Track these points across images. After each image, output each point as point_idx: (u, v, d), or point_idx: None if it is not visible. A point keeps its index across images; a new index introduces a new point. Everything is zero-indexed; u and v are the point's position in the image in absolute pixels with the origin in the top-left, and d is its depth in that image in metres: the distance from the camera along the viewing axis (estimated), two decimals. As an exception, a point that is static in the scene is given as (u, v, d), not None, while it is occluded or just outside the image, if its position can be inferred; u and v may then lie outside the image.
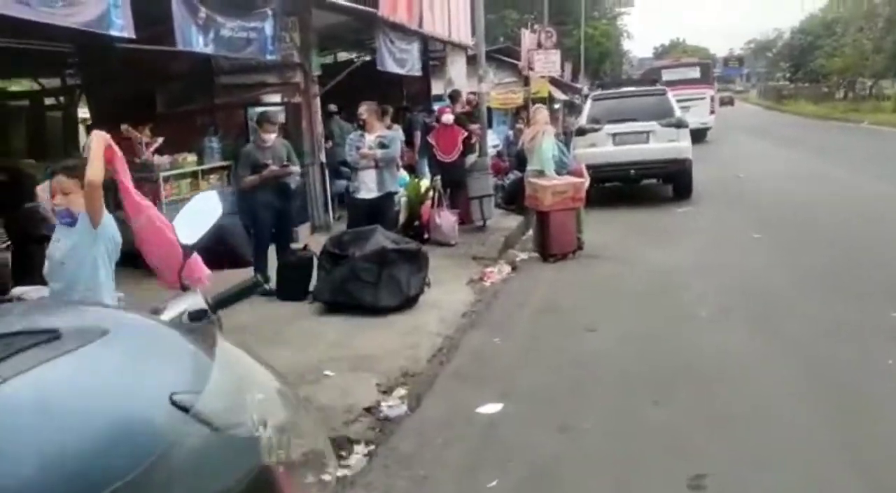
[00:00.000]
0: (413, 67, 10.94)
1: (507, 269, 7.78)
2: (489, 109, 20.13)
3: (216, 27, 7.27)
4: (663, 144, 11.33)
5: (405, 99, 13.75)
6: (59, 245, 3.29)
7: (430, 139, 8.76)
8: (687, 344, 5.16)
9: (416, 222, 8.70)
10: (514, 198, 10.24)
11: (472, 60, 13.99)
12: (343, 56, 14.44)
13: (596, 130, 11.56)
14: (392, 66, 9.98)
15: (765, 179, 13.93)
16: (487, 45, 19.93)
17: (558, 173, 8.30)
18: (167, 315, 1.80)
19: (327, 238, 6.54)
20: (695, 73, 25.37)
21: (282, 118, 8.98)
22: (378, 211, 6.99)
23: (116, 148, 3.47)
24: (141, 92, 9.66)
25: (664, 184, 12.33)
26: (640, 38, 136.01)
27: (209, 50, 7.33)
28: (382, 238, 6.31)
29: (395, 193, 7.21)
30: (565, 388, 4.51)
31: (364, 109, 7.04)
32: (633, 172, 11.36)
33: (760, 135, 26.08)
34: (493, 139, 17.24)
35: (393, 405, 4.40)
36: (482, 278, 7.38)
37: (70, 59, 9.80)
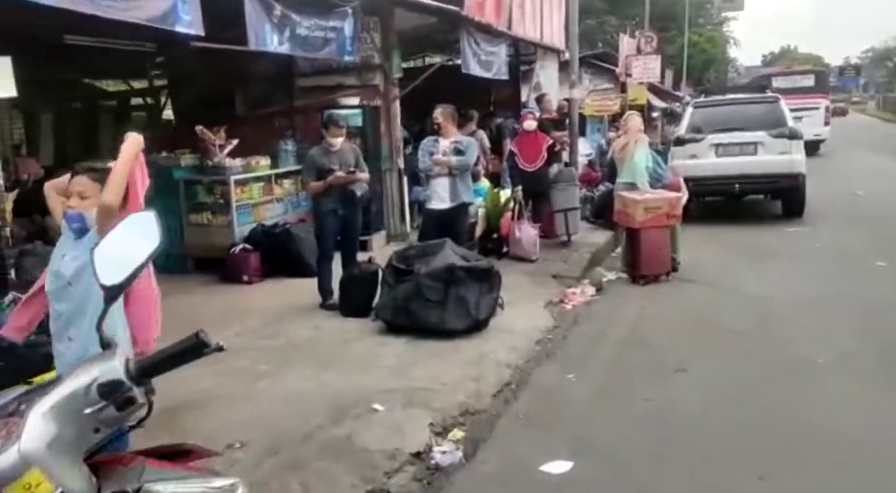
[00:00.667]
0: (499, 71, 10.31)
1: (591, 290, 7.04)
2: (582, 117, 19.31)
3: (292, 26, 6.92)
4: (773, 157, 10.25)
5: (492, 104, 13.15)
6: (66, 261, 2.82)
7: (512, 146, 8.11)
8: (800, 399, 4.30)
9: (495, 235, 8.07)
10: (603, 211, 9.45)
11: (565, 66, 13.24)
12: (432, 60, 14.02)
13: (697, 141, 10.60)
14: (476, 69, 9.40)
15: (887, 197, 12.49)
16: (584, 51, 19.11)
17: (652, 187, 7.49)
18: (70, 386, 1.28)
19: (392, 251, 6.02)
20: (809, 81, 23.56)
21: (359, 122, 8.59)
22: (450, 223, 6.41)
23: (141, 156, 3.03)
24: (222, 93, 9.51)
25: (772, 199, 11.23)
26: (748, 45, 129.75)
27: (284, 49, 6.98)
28: (451, 254, 5.74)
29: (470, 204, 6.60)
30: (648, 447, 3.78)
31: (439, 113, 6.49)
32: (737, 186, 10.34)
33: (881, 149, 23.93)
34: (586, 148, 16.46)
35: (447, 451, 3.81)
36: (563, 299, 6.69)
37: (156, 60, 9.78)
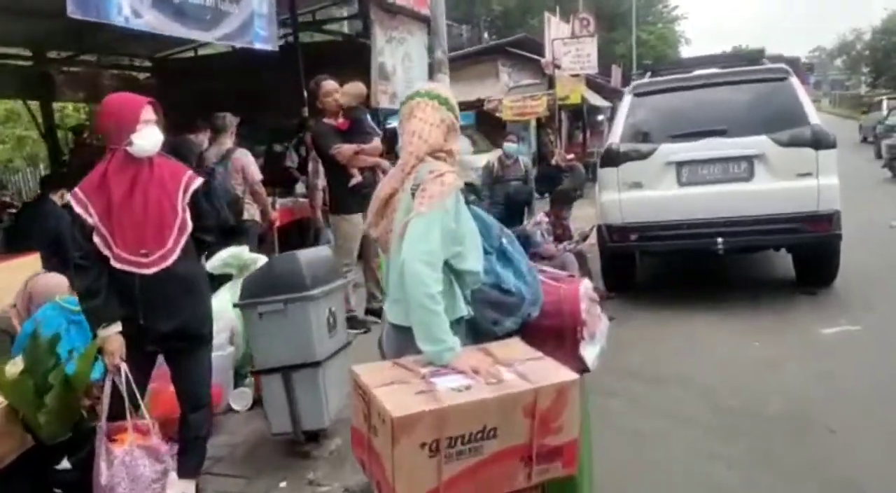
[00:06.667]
0: (247, 34, 4.69)
1: None
2: (503, 122, 13.94)
3: None
4: (786, 184, 5.10)
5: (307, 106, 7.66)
6: None
7: (80, 210, 2.37)
8: None
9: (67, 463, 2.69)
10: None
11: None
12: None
13: (643, 156, 5.37)
14: (138, 18, 3.71)
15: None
16: (500, 37, 13.82)
17: (487, 336, 2.18)
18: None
19: None
20: (779, 72, 18.59)
21: None
22: None
23: None
24: None
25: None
26: (697, 47, 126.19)
27: None
28: None
29: None
30: None
31: None
32: (720, 242, 5.12)
33: (869, 151, 19.21)
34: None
35: None
36: None
37: None
